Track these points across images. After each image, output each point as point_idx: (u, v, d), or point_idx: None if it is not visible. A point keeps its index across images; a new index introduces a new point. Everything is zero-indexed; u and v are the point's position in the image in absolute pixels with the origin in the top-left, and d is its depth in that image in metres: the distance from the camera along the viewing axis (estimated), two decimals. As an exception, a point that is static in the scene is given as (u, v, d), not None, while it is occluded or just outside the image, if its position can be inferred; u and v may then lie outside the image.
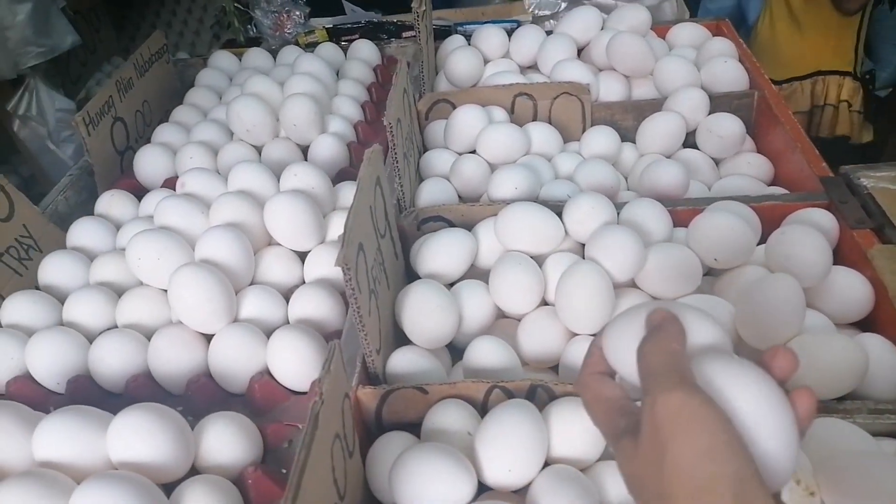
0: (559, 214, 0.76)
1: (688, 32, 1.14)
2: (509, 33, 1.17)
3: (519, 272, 0.70)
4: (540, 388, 0.60)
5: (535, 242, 0.74)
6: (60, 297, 0.80)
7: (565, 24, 1.13)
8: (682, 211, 0.78)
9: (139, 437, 0.55)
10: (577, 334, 0.68)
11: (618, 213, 0.76)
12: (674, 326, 0.36)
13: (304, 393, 0.69)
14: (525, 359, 0.69)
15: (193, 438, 0.59)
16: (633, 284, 0.72)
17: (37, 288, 0.83)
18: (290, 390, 0.69)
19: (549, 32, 1.15)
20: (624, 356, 0.38)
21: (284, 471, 0.63)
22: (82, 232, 0.87)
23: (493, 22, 1.23)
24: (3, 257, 0.84)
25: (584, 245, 0.74)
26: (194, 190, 0.85)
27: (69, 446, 0.55)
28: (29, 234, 0.89)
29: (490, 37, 1.14)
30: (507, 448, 0.53)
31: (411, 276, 0.83)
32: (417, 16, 1.00)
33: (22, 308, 0.77)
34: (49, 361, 0.71)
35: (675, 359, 0.34)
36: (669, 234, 0.74)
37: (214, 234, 0.74)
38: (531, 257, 0.73)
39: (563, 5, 1.21)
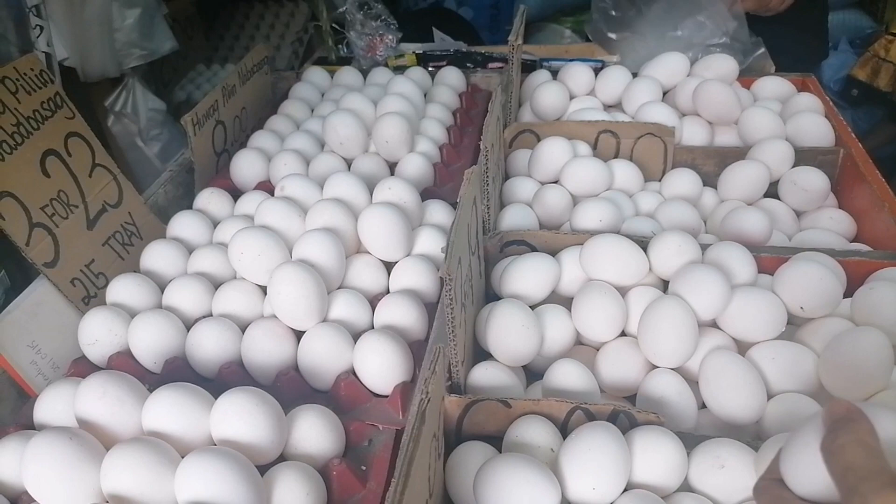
0: (643, 249, 0.78)
1: (773, 85, 1.15)
2: (595, 72, 1.20)
3: (604, 301, 0.72)
4: (622, 413, 0.61)
5: (619, 274, 0.76)
6: (159, 283, 0.85)
7: (652, 68, 1.16)
8: (765, 258, 0.79)
9: (241, 417, 0.58)
10: (657, 366, 0.69)
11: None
12: (863, 419, 0.34)
13: (385, 396, 0.72)
14: (603, 386, 0.70)
15: (287, 426, 0.62)
16: (714, 324, 0.73)
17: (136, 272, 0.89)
18: (371, 392, 0.72)
19: (634, 74, 1.18)
20: (804, 470, 0.37)
21: (364, 468, 0.65)
22: (182, 224, 0.93)
23: (580, 60, 1.27)
24: (109, 241, 0.90)
25: (666, 281, 0.76)
26: (292, 194, 0.89)
27: (176, 419, 0.59)
28: (133, 222, 0.94)
29: (578, 74, 1.18)
30: (593, 466, 0.55)
31: (489, 295, 0.85)
32: (513, 48, 1.04)
33: (126, 289, 0.82)
34: (149, 341, 0.75)
35: (875, 455, 0.32)
36: (754, 278, 0.75)
37: (313, 237, 0.78)
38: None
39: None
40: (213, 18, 2.56)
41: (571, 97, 1.17)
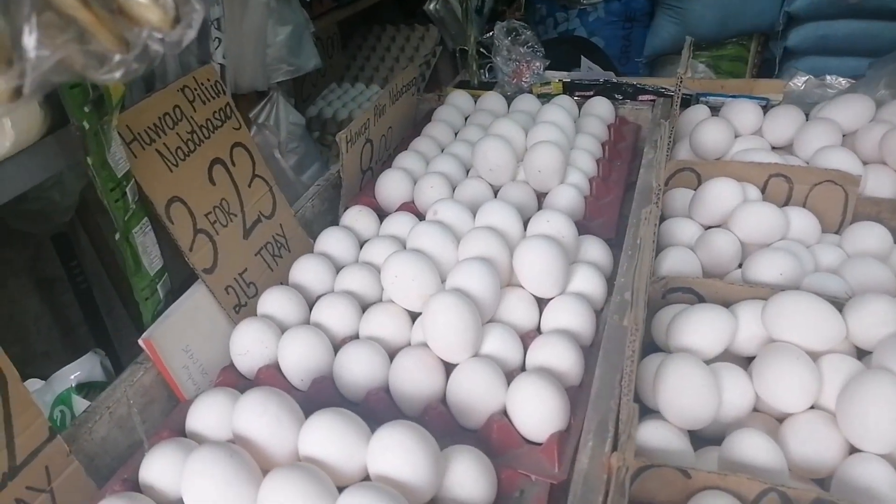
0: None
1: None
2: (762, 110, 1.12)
3: (795, 366, 0.64)
4: (827, 503, 0.53)
5: (809, 337, 0.67)
6: (307, 297, 0.85)
7: (831, 110, 1.06)
8: None
9: (401, 453, 0.55)
10: (860, 450, 0.60)
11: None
12: None
13: (538, 444, 0.67)
14: (788, 463, 0.62)
15: (444, 467, 0.58)
16: (926, 407, 0.63)
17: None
18: (523, 438, 0.67)
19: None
20: None
21: (516, 522, 0.60)
22: (330, 240, 0.93)
23: (742, 97, 1.18)
24: (261, 251, 0.91)
25: (864, 350, 0.67)
26: (445, 219, 0.87)
27: (333, 446, 0.57)
28: (283, 234, 0.95)
29: (744, 111, 1.09)
30: (802, 566, 0.47)
31: (646, 345, 0.79)
32: (681, 80, 0.98)
33: (278, 301, 0.81)
34: (298, 357, 0.74)
35: None
36: (976, 358, 0.65)
37: (470, 266, 0.75)
38: (802, 353, 0.67)
39: (843, 85, 1.14)
40: (347, 38, 2.65)
41: (735, 136, 1.09)
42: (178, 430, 0.68)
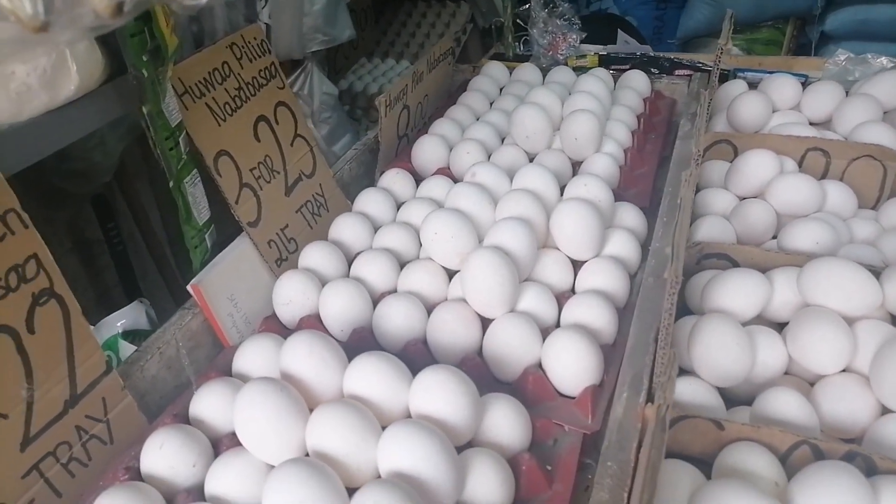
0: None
1: None
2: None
3: (830, 329, 0.65)
4: (860, 457, 0.54)
5: (846, 303, 0.68)
6: (346, 253, 0.87)
7: (872, 86, 1.05)
8: None
9: (443, 394, 0.57)
10: (892, 411, 0.61)
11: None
12: None
13: (571, 397, 0.69)
14: (819, 423, 0.63)
15: (482, 411, 0.60)
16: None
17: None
18: (557, 391, 0.69)
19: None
20: None
21: (549, 468, 0.62)
22: (369, 200, 0.95)
23: (782, 73, 1.18)
24: (301, 209, 0.93)
25: (899, 318, 0.68)
26: (483, 181, 0.88)
27: (377, 387, 0.59)
28: (322, 194, 0.97)
29: (783, 86, 1.09)
30: (834, 511, 0.49)
31: (679, 309, 0.80)
32: (720, 51, 0.98)
33: (319, 255, 0.84)
34: (339, 308, 0.77)
35: None
36: None
37: (508, 226, 0.77)
38: (837, 317, 0.68)
39: (885, 64, 1.13)
40: (380, 13, 2.65)
41: (773, 111, 1.09)
42: (225, 373, 0.71)
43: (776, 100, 1.09)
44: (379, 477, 0.54)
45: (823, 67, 1.21)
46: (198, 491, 0.58)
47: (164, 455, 0.59)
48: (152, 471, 0.59)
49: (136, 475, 0.60)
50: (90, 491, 0.60)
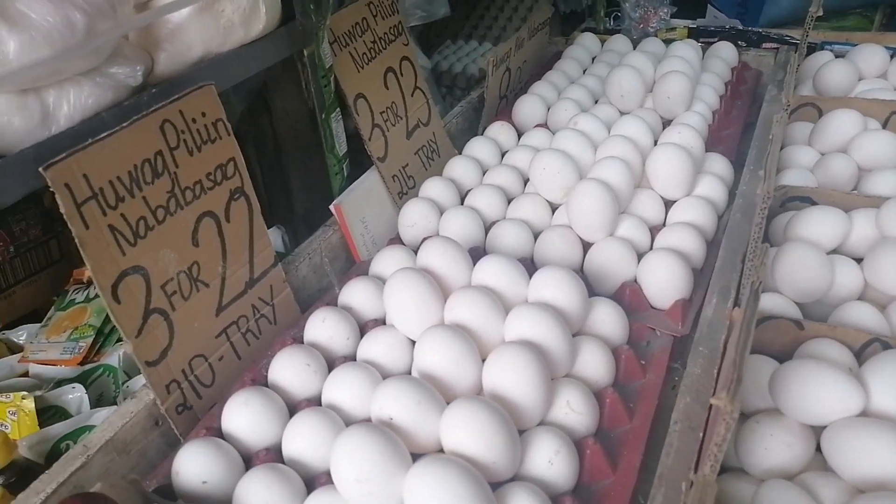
0: (950, 217, 0.76)
1: None
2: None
3: (905, 255, 0.72)
4: (926, 352, 0.62)
5: (921, 236, 0.75)
6: (459, 190, 0.99)
7: (960, 55, 1.10)
8: None
9: (556, 286, 0.68)
10: (960, 326, 0.68)
11: None
12: None
13: (662, 310, 0.78)
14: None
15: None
16: None
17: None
18: (650, 304, 0.79)
19: (934, 62, 1.12)
20: None
21: (643, 362, 0.72)
22: (477, 146, 1.06)
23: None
24: (419, 152, 1.05)
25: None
26: (584, 129, 0.98)
27: (502, 277, 0.70)
28: (435, 140, 1.09)
29: (871, 55, 1.14)
30: (899, 384, 0.57)
31: (762, 247, 0.88)
32: (811, 19, 1.04)
33: (438, 187, 0.96)
34: (457, 230, 0.88)
35: None
36: None
37: (609, 163, 0.87)
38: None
39: None
40: (464, -2, 2.75)
41: (860, 79, 1.14)
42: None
43: (863, 68, 1.14)
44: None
45: (914, 41, 1.25)
46: (352, 357, 0.71)
47: (326, 328, 0.72)
48: (316, 340, 0.72)
49: (300, 341, 0.73)
50: (261, 356, 0.73)
